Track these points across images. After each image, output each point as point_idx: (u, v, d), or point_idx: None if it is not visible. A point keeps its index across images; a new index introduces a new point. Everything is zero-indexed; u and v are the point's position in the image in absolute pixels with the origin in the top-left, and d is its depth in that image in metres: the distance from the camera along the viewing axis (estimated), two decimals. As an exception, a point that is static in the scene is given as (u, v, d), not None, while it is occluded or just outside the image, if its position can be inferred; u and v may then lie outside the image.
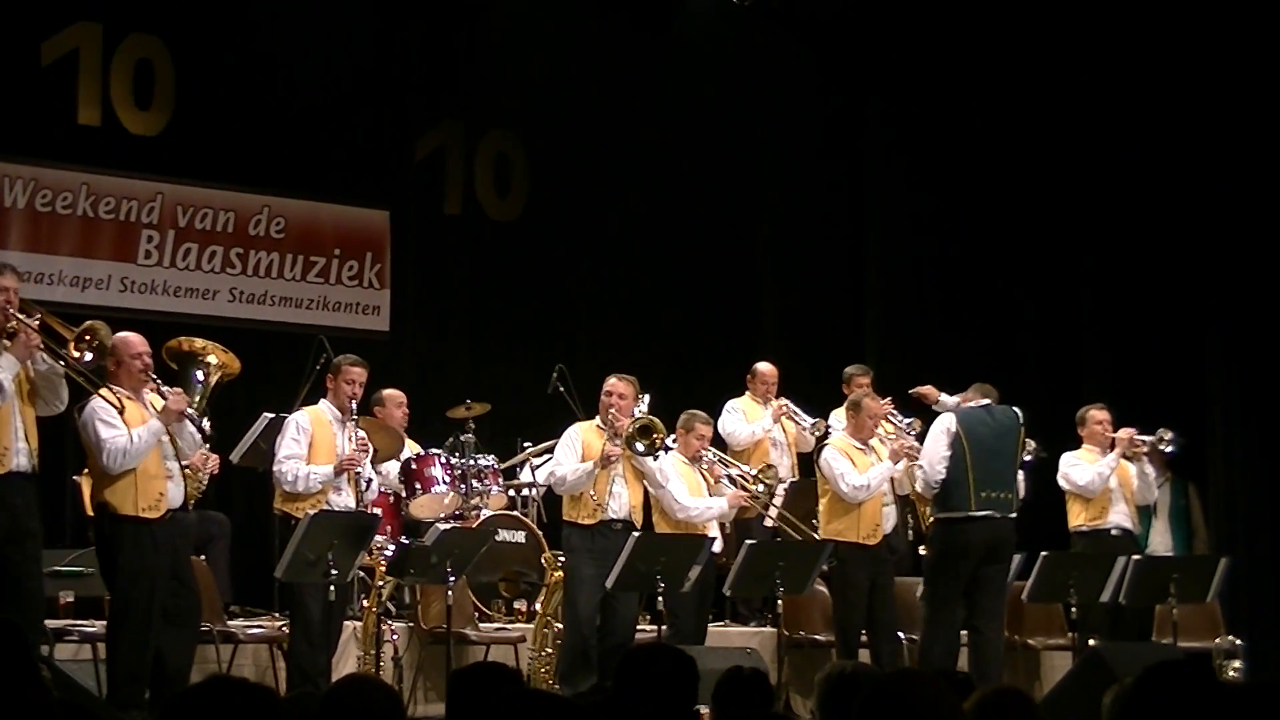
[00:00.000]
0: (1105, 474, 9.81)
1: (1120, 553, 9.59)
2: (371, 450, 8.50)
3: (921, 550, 9.91)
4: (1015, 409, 9.45)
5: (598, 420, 9.06)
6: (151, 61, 11.04)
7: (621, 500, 8.87)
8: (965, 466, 9.09)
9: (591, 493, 8.82)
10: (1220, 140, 11.94)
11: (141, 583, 7.42)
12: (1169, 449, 9.97)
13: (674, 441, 9.28)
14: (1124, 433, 9.93)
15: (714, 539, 9.11)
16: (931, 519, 9.62)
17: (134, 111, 11.02)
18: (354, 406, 8.45)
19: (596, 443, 8.91)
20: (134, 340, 7.69)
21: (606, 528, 8.80)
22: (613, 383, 9.06)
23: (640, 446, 8.84)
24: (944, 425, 9.27)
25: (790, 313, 13.17)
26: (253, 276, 11.40)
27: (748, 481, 9.54)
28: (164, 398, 7.59)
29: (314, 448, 8.31)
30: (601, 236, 12.82)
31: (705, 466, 9.37)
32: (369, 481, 8.42)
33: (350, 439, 8.36)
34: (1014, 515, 9.23)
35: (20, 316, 7.25)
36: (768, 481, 9.69)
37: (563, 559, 9.00)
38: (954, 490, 9.10)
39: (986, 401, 9.38)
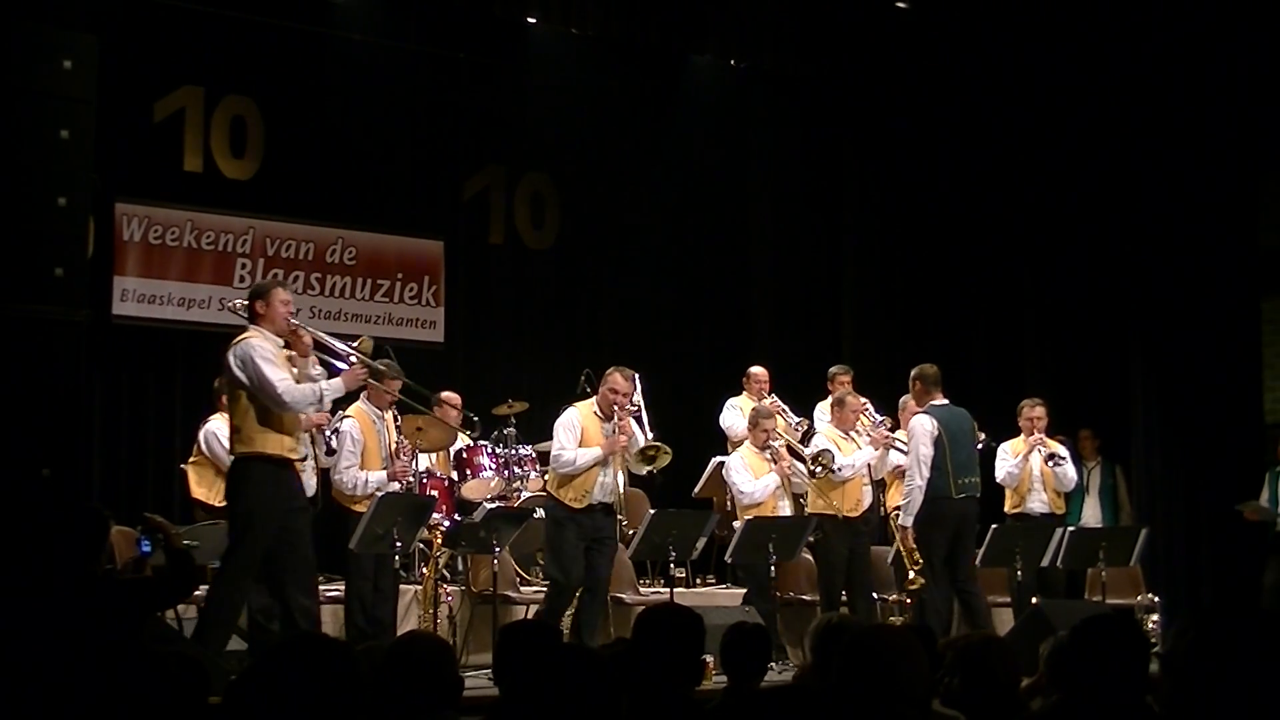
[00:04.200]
0: (1015, 472, 9.59)
1: (1045, 529, 9.45)
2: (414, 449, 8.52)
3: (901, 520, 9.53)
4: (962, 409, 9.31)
5: (593, 405, 8.62)
6: (244, 118, 11.07)
7: (607, 488, 8.46)
8: (946, 458, 8.91)
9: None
10: (1140, 185, 11.95)
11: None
12: (1054, 466, 9.72)
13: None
14: (1034, 438, 9.66)
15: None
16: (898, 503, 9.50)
17: (230, 160, 11.04)
18: (393, 405, 8.43)
19: (593, 426, 8.51)
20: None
21: (589, 509, 8.43)
22: (615, 379, 8.51)
23: (644, 459, 8.61)
24: (926, 429, 8.91)
25: (779, 323, 13.13)
26: (329, 297, 11.42)
27: (807, 464, 9.30)
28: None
29: (366, 451, 8.31)
30: (621, 261, 12.81)
31: (770, 454, 9.32)
32: (408, 481, 8.47)
33: (390, 429, 8.40)
34: (978, 496, 9.10)
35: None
36: (824, 464, 9.46)
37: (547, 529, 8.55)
38: (937, 478, 8.89)
39: (945, 401, 9.16)
